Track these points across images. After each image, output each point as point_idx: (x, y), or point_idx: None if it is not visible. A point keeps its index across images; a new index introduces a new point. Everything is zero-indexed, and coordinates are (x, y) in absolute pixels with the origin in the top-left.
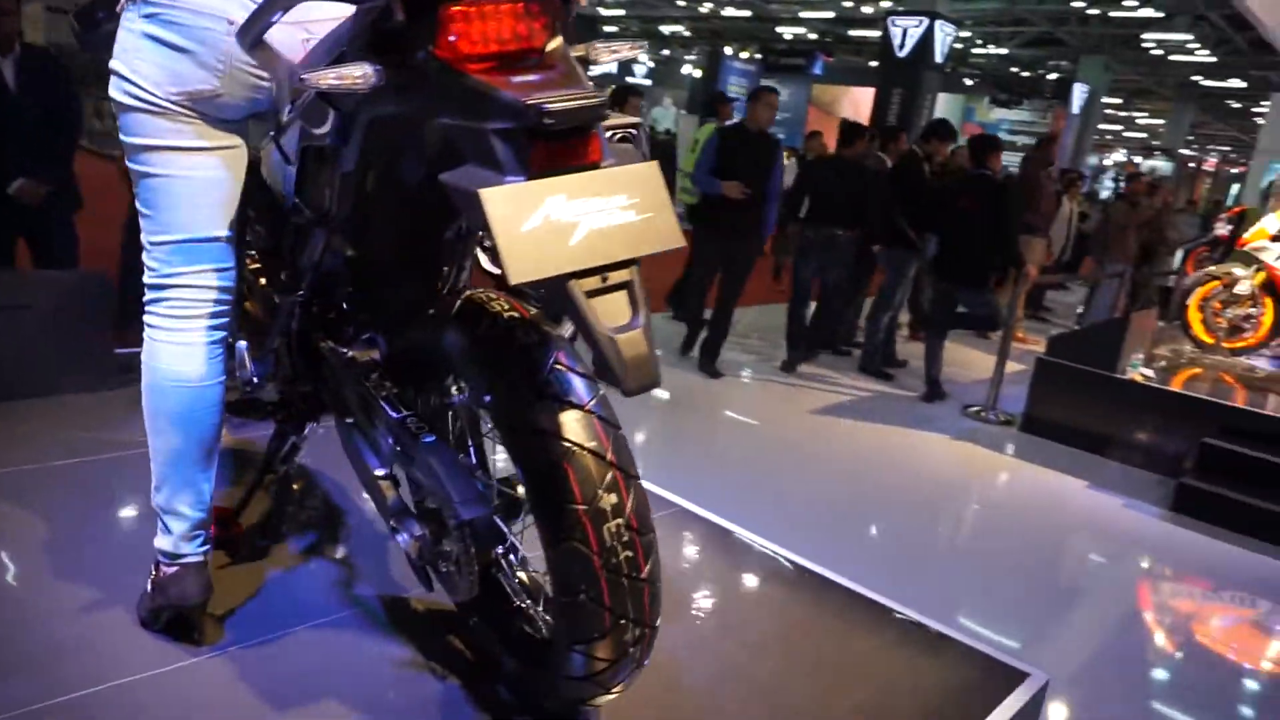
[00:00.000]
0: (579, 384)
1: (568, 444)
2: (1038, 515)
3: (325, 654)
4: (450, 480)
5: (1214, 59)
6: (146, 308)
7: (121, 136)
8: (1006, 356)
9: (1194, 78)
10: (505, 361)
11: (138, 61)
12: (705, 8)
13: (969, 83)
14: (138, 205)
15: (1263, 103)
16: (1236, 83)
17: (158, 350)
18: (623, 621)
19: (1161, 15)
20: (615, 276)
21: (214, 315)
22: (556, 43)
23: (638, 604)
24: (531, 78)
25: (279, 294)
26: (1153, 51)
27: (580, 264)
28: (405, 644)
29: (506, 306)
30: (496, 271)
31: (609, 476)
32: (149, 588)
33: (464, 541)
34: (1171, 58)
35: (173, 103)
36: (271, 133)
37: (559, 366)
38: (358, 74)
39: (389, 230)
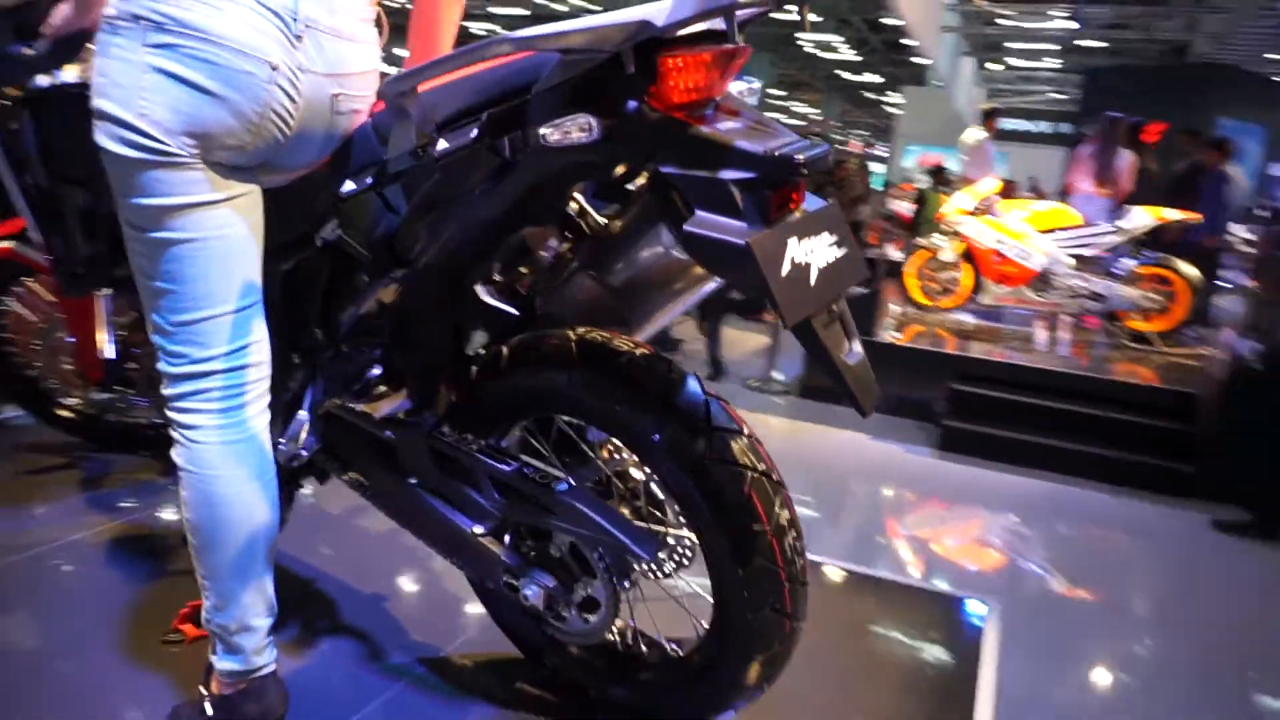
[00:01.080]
0: (729, 412)
1: (748, 470)
2: (826, 464)
3: None
4: (612, 522)
5: (858, 57)
6: (175, 405)
7: (129, 200)
8: (779, 331)
9: (838, 72)
10: (672, 399)
11: (143, 102)
12: None
13: None
14: (152, 284)
15: (890, 94)
16: (873, 77)
17: (204, 455)
18: (797, 625)
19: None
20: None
21: (261, 395)
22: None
23: (804, 606)
24: (737, 125)
25: (301, 353)
26: (807, 49)
27: (824, 302)
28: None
29: (630, 344)
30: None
31: (780, 494)
32: (208, 712)
33: (611, 581)
34: (823, 55)
35: (185, 150)
36: (368, 182)
37: (711, 398)
38: (583, 125)
39: (475, 274)
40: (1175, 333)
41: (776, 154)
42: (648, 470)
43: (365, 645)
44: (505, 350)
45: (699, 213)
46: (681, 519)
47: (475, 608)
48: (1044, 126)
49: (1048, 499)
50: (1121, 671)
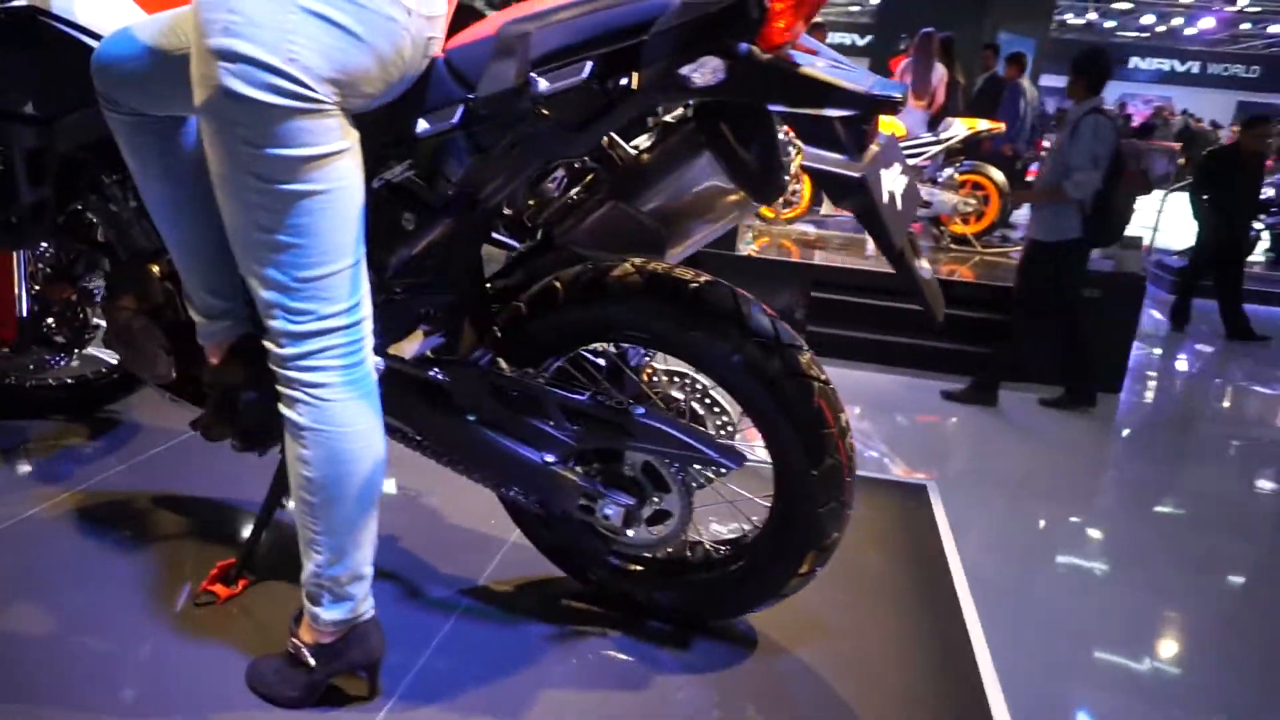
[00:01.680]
0: (790, 330)
1: (818, 380)
2: None
3: (474, 665)
4: (695, 438)
5: None
6: (298, 364)
7: (263, 150)
8: None
9: None
10: (745, 322)
11: (294, 45)
12: None
13: None
14: (274, 238)
15: None
16: None
17: (332, 412)
18: (849, 513)
19: None
20: None
21: (370, 345)
22: None
23: (854, 497)
24: (826, 64)
25: None
26: None
27: (907, 224)
28: (533, 621)
29: (696, 274)
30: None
31: (838, 399)
32: (308, 661)
33: (685, 493)
34: None
35: (329, 97)
36: (453, 122)
37: (775, 318)
38: (715, 68)
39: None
40: (988, 233)
41: (875, 93)
42: (692, 386)
43: (403, 588)
44: (559, 284)
45: (807, 148)
46: (728, 429)
47: (492, 535)
48: (842, 38)
49: (908, 389)
50: (1021, 530)
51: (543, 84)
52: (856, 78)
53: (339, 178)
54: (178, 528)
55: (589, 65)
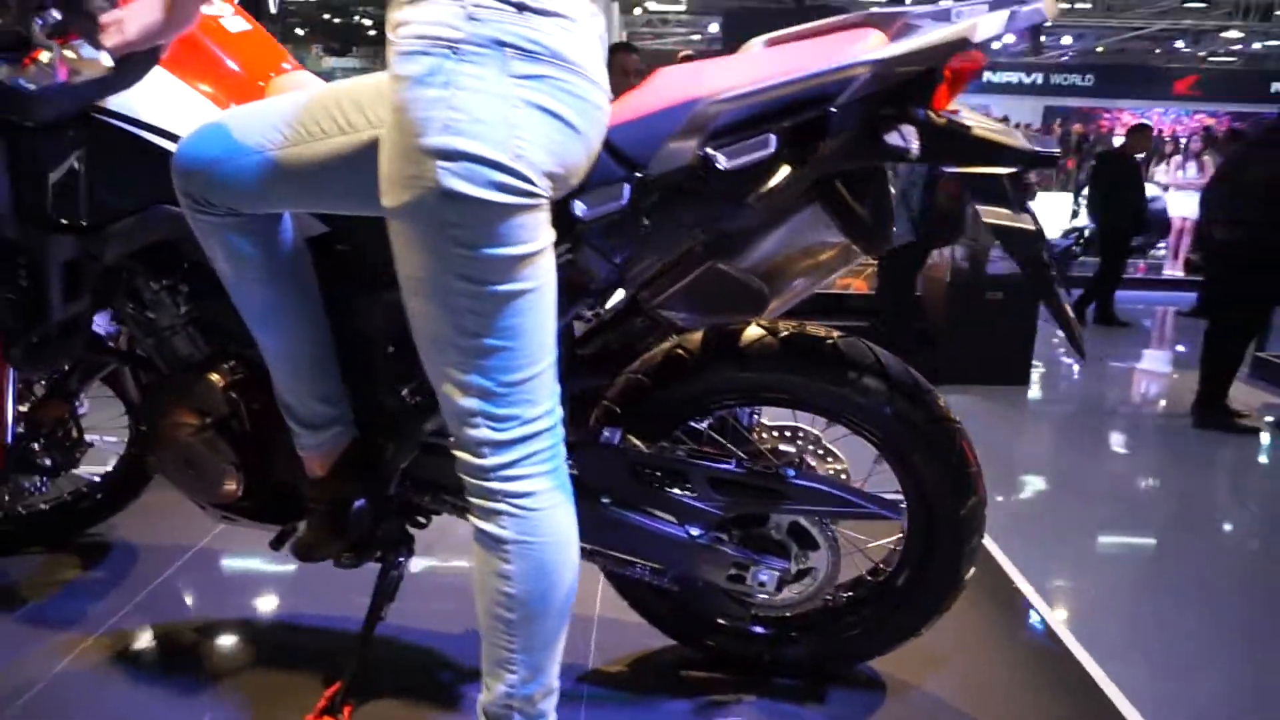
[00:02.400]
0: (918, 375)
1: (957, 424)
2: None
3: None
4: (853, 494)
5: None
6: (501, 474)
7: (480, 251)
8: None
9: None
10: (888, 375)
11: (521, 141)
12: None
13: (300, 33)
14: (482, 342)
15: None
16: None
17: (539, 521)
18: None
19: None
20: None
21: (563, 448)
22: None
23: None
24: (983, 123)
25: None
26: None
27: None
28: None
29: (829, 330)
30: None
31: (968, 438)
32: None
33: (834, 549)
34: None
35: (546, 192)
36: (622, 202)
37: (907, 366)
38: (913, 134)
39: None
40: None
41: (1038, 150)
42: (805, 438)
43: None
44: (683, 352)
45: (978, 204)
46: (843, 476)
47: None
48: None
49: None
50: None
51: (723, 159)
52: (1016, 136)
53: (544, 274)
54: (233, 659)
55: (774, 138)
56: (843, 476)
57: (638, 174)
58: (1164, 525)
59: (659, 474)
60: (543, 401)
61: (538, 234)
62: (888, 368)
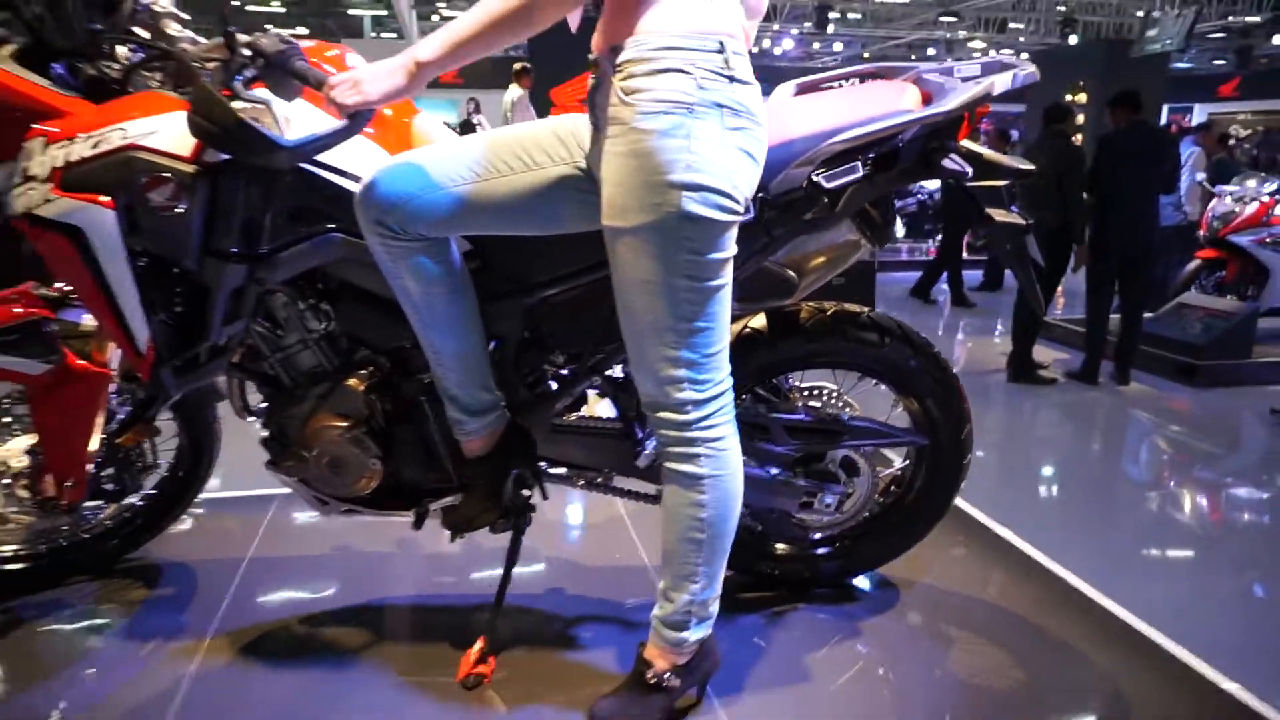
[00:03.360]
0: (925, 337)
1: (950, 370)
2: None
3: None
4: (892, 429)
5: (283, 9)
6: (704, 424)
7: (705, 256)
8: None
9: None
10: (918, 344)
11: (735, 175)
12: None
13: None
14: (693, 324)
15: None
16: (301, 30)
17: (727, 459)
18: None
19: None
20: None
21: None
22: None
23: None
24: (981, 147)
25: None
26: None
27: None
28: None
29: (862, 309)
30: None
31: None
32: (675, 685)
33: (873, 472)
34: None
35: (744, 213)
36: (752, 216)
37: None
38: (961, 159)
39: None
40: None
41: (1023, 168)
42: (825, 395)
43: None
44: (753, 331)
45: (986, 206)
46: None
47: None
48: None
49: None
50: None
51: (827, 183)
52: (1002, 156)
53: (731, 272)
54: (351, 640)
55: (860, 165)
56: None
57: (760, 194)
58: (992, 450)
59: (745, 427)
60: (726, 366)
61: (733, 242)
62: (908, 333)
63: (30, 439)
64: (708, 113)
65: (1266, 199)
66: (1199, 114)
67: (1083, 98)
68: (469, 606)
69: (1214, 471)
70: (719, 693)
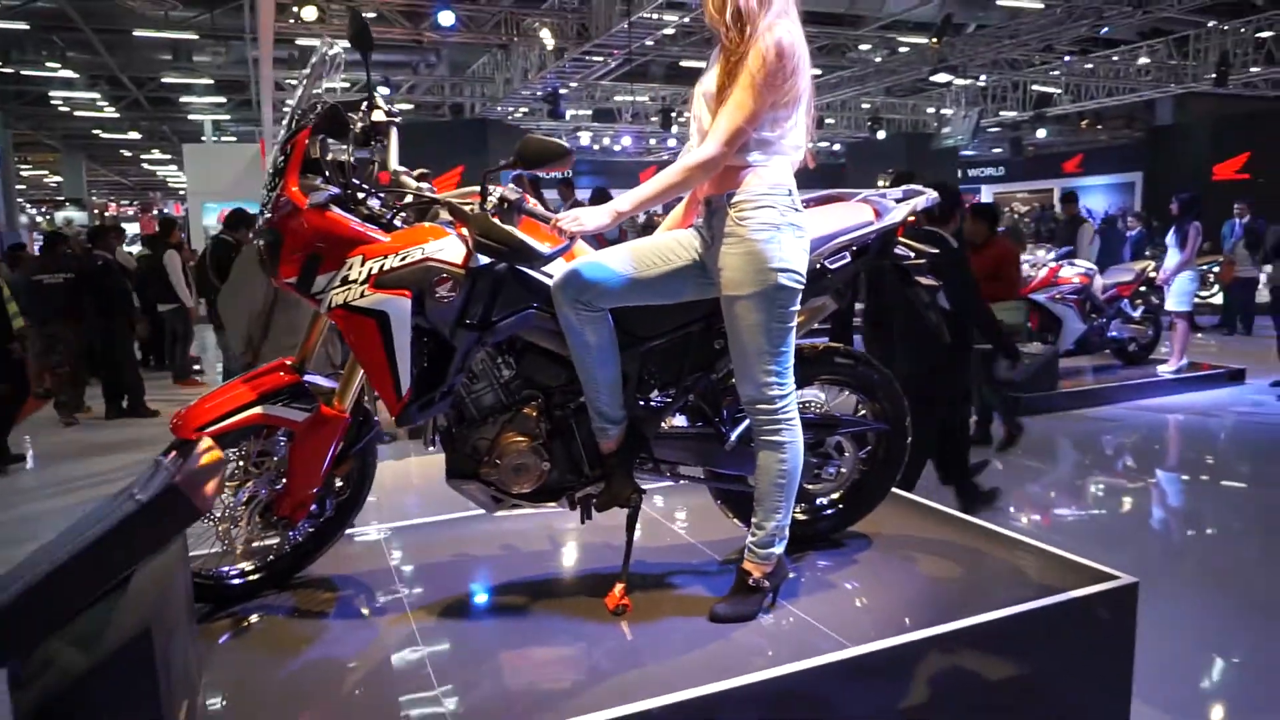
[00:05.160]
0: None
1: (895, 381)
2: None
3: None
4: (867, 422)
5: (117, 114)
6: (785, 408)
7: (787, 309)
8: None
9: (94, 131)
10: (874, 363)
11: (801, 263)
12: None
13: None
14: (779, 349)
15: (154, 152)
16: (134, 135)
17: (798, 431)
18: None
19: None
20: None
21: None
22: None
23: None
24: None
25: None
26: (60, 108)
27: None
28: None
29: (849, 348)
30: None
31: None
32: (768, 586)
33: (856, 452)
34: (79, 113)
35: None
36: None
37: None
38: (906, 251)
39: None
40: None
41: (932, 250)
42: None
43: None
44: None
45: (914, 276)
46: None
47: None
48: None
49: None
50: None
51: (830, 265)
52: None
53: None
54: (539, 593)
55: (848, 254)
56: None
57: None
58: None
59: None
60: (792, 375)
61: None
62: (869, 359)
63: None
64: (787, 229)
65: (1053, 264)
66: (985, 193)
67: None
68: (604, 570)
69: (1040, 484)
70: (783, 596)
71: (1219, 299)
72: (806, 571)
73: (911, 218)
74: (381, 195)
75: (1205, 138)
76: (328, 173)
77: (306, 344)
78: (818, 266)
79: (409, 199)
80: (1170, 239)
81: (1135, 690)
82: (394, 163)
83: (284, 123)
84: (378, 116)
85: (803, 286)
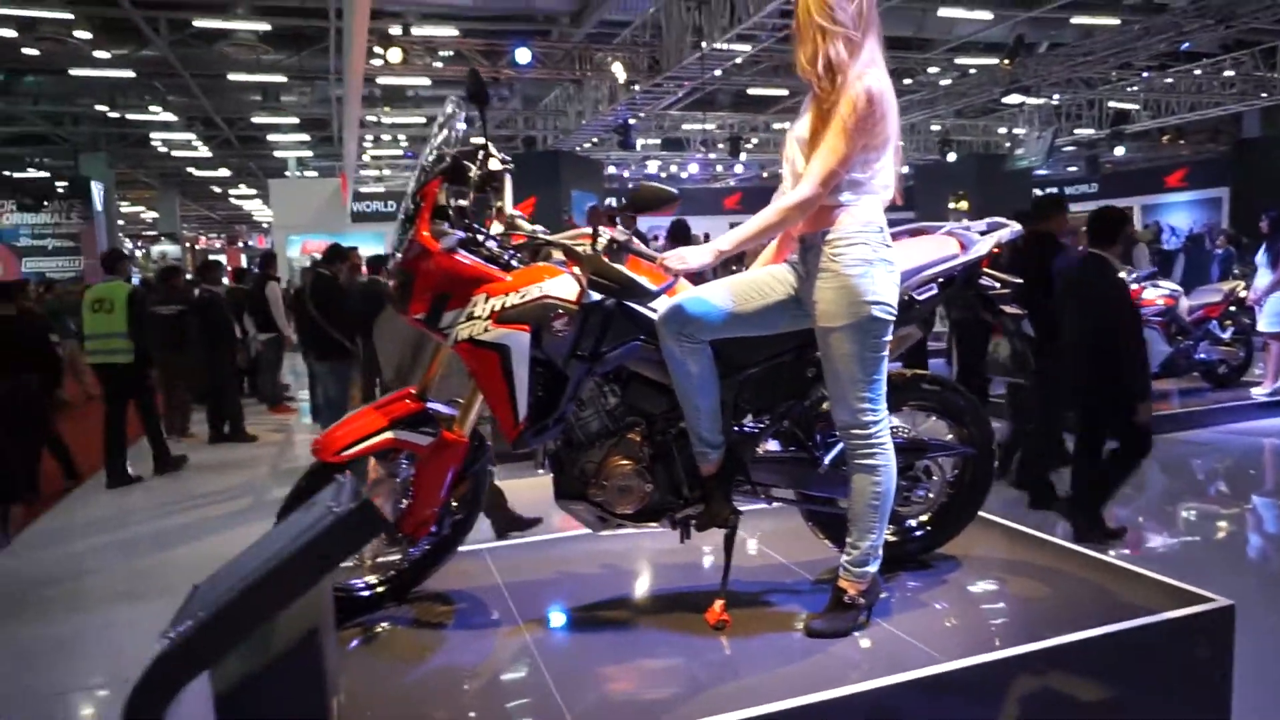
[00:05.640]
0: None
1: (983, 409)
2: None
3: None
4: (955, 446)
5: (209, 153)
6: (879, 433)
7: (880, 339)
8: None
9: (188, 169)
10: (963, 390)
11: (892, 296)
12: None
13: None
14: (873, 376)
15: (241, 187)
16: (223, 171)
17: (891, 455)
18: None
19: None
20: None
21: None
22: None
23: None
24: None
25: None
26: (159, 149)
27: None
28: None
29: (938, 375)
30: None
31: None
32: (864, 603)
33: (943, 475)
34: (175, 153)
35: None
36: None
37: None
38: (991, 281)
39: None
40: None
41: (1015, 280)
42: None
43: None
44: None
45: (1000, 305)
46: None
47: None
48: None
49: None
50: None
51: (917, 298)
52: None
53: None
54: (644, 610)
55: (935, 286)
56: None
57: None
58: None
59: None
60: (885, 402)
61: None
62: (955, 385)
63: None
64: (879, 264)
65: (1135, 286)
66: None
67: (965, 205)
68: (702, 588)
69: (1131, 508)
70: (876, 614)
71: None
72: (897, 591)
73: (996, 249)
74: (498, 237)
75: None
76: (452, 217)
77: (428, 374)
78: (906, 298)
79: (525, 240)
80: (1261, 258)
81: (1236, 716)
82: (509, 207)
83: (413, 174)
84: (493, 165)
85: (894, 318)
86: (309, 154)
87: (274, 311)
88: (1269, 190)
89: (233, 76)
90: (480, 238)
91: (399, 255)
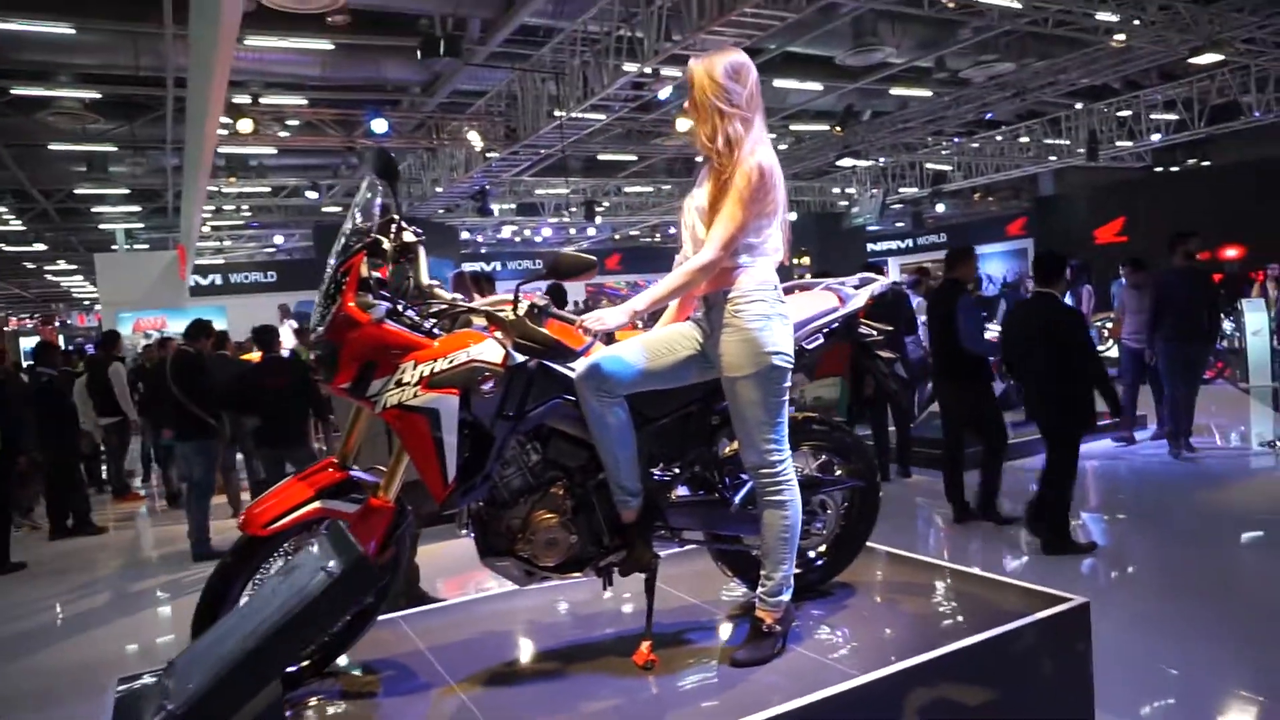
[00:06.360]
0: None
1: (867, 445)
2: None
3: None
4: (846, 480)
5: (22, 226)
6: (784, 470)
7: (782, 385)
8: None
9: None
10: (849, 430)
11: (789, 345)
12: None
13: None
14: (776, 419)
15: (59, 263)
16: (39, 246)
17: (796, 490)
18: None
19: None
20: None
21: None
22: None
23: None
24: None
25: None
26: None
27: None
28: None
29: (827, 417)
30: None
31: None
32: (780, 630)
33: (836, 507)
34: None
35: None
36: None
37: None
38: (869, 331)
39: None
40: None
41: (887, 328)
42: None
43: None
44: None
45: (875, 351)
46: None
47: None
48: (271, 275)
49: None
50: None
51: (806, 346)
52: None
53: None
54: (574, 655)
55: (821, 336)
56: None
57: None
58: None
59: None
60: (787, 439)
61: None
62: (842, 426)
63: None
64: (776, 318)
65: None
66: (893, 265)
67: (807, 260)
68: (626, 633)
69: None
70: (792, 640)
71: (1114, 352)
72: (806, 618)
73: (870, 300)
74: (417, 305)
75: (1085, 205)
76: (374, 289)
77: (349, 442)
78: (797, 348)
79: (446, 308)
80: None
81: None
82: (425, 277)
83: (335, 249)
84: (407, 238)
85: (792, 366)
86: (139, 226)
87: (119, 394)
88: (1066, 240)
89: (54, 146)
90: (400, 307)
91: (320, 329)
